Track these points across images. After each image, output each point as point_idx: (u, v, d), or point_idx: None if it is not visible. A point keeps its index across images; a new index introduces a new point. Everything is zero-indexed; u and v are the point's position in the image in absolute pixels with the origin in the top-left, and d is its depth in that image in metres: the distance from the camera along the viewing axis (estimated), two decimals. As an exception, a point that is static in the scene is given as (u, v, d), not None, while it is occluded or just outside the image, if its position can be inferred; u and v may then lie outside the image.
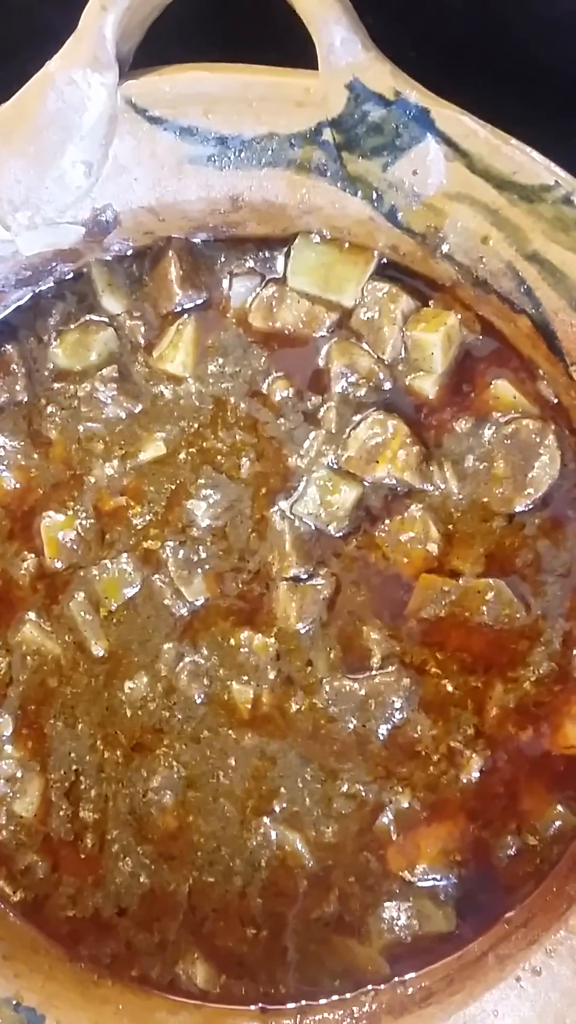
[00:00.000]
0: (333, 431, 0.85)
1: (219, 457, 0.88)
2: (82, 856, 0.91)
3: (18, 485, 0.91)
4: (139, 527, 0.89)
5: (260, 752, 0.88)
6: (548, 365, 0.80)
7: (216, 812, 0.89)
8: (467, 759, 0.86)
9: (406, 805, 0.86)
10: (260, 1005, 0.89)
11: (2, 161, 0.80)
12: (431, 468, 0.84)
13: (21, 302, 0.89)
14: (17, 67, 0.78)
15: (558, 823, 0.85)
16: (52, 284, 0.88)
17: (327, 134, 0.76)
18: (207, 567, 0.88)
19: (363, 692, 0.86)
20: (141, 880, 0.90)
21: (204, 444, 0.88)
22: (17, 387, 0.90)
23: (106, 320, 0.89)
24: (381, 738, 0.87)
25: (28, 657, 0.91)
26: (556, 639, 0.85)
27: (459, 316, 0.82)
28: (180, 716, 0.89)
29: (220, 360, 0.88)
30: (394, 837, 0.87)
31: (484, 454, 0.84)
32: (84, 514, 0.90)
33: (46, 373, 0.90)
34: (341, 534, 0.86)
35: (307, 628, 0.87)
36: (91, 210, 0.82)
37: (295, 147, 0.77)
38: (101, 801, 0.91)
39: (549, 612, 0.85)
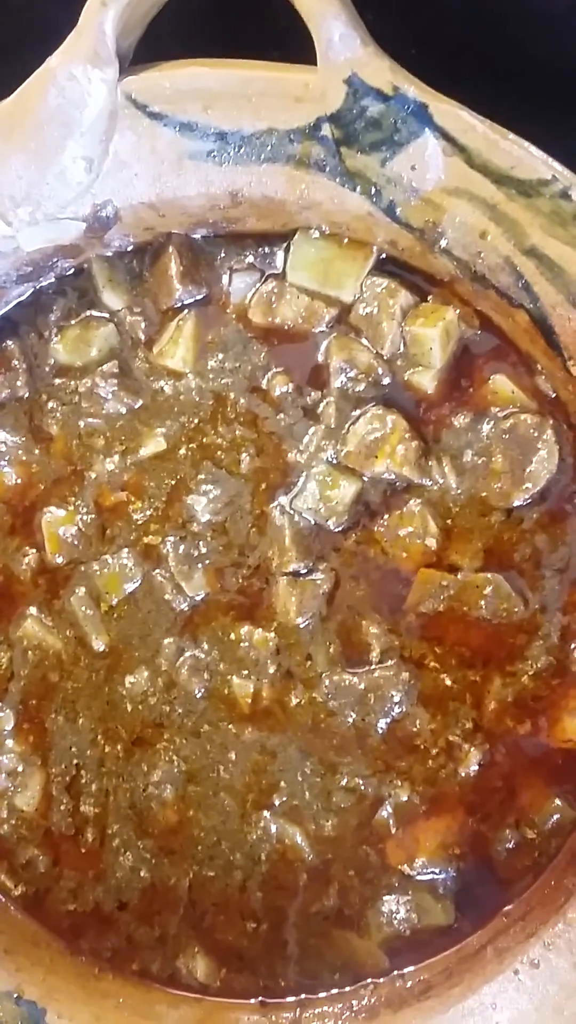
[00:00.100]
0: (332, 426, 0.86)
1: (219, 452, 0.88)
2: (83, 850, 0.91)
3: (19, 480, 0.91)
4: (140, 522, 0.89)
5: (260, 746, 0.89)
6: (546, 360, 0.81)
7: (216, 806, 0.90)
8: (466, 753, 0.86)
9: (405, 799, 0.87)
10: (260, 998, 0.89)
11: (3, 157, 0.80)
12: (430, 463, 0.85)
13: (22, 298, 0.89)
14: (18, 63, 0.78)
15: (556, 817, 0.85)
16: (53, 280, 0.89)
17: (326, 129, 0.76)
18: (207, 562, 0.89)
19: (362, 686, 0.86)
20: (142, 874, 0.91)
21: (204, 439, 0.89)
22: (18, 383, 0.90)
23: (107, 316, 0.89)
24: (380, 732, 0.87)
25: (29, 652, 0.91)
26: (554, 633, 0.85)
27: (457, 311, 0.82)
28: (180, 710, 0.90)
29: (220, 356, 0.88)
30: (393, 831, 0.87)
31: (482, 449, 0.84)
32: (85, 509, 0.90)
33: (47, 369, 0.90)
34: (340, 529, 0.86)
35: (307, 623, 0.87)
36: (92, 206, 0.82)
37: (294, 142, 0.77)
38: (102, 795, 0.91)
39: (547, 606, 0.85)
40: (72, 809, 0.91)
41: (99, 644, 0.90)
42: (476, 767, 0.86)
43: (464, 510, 0.85)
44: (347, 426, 0.85)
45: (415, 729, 0.86)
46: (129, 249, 0.87)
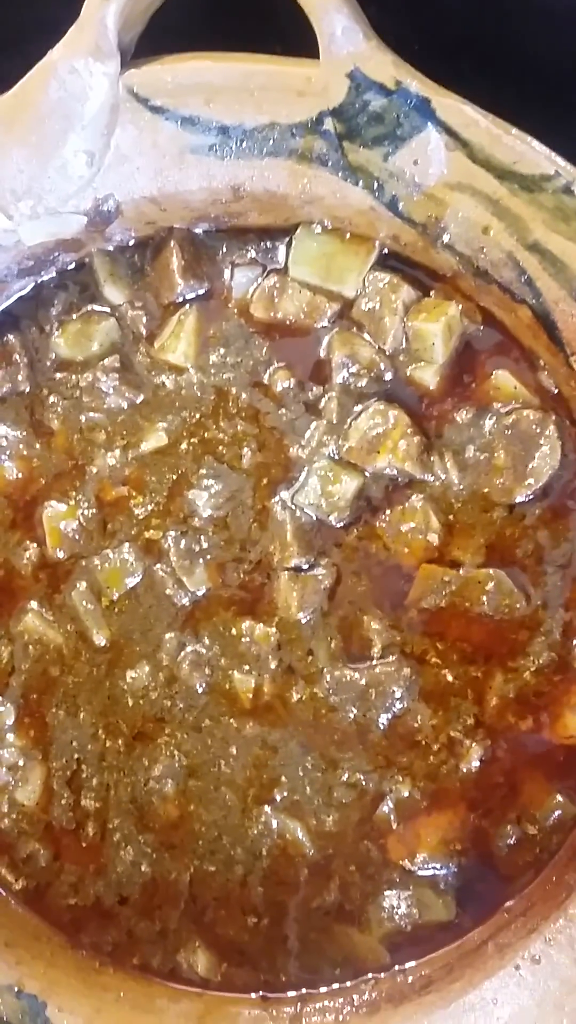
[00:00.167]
0: (334, 421, 0.85)
1: (220, 447, 0.88)
2: (83, 844, 0.91)
3: (20, 475, 0.91)
4: (141, 517, 0.89)
5: (261, 741, 0.89)
6: (549, 355, 0.81)
7: (217, 801, 0.90)
8: (467, 749, 0.86)
9: (406, 794, 0.87)
10: (261, 993, 0.89)
11: (4, 150, 0.80)
12: (432, 458, 0.85)
13: (23, 292, 0.89)
14: (19, 57, 0.78)
15: (558, 813, 0.85)
16: (54, 274, 0.89)
17: (328, 123, 0.76)
18: (208, 557, 0.88)
19: (364, 682, 0.86)
20: (142, 869, 0.90)
21: (206, 434, 0.89)
22: (19, 377, 0.90)
23: (108, 310, 0.89)
24: (381, 727, 0.87)
25: (30, 646, 0.91)
26: (556, 629, 0.85)
27: (460, 306, 0.82)
28: (181, 705, 0.90)
29: (222, 350, 0.88)
30: (394, 826, 0.87)
31: (485, 444, 0.84)
32: (86, 504, 0.90)
33: (48, 363, 0.90)
34: (342, 524, 0.86)
35: (308, 618, 0.87)
36: (93, 200, 0.82)
37: (296, 137, 0.77)
38: (103, 790, 0.91)
39: (549, 602, 0.85)
40: (73, 803, 0.91)
41: (100, 639, 0.90)
42: (477, 763, 0.86)
43: (466, 506, 0.85)
44: (349, 421, 0.85)
45: (416, 725, 0.86)
46: (131, 243, 0.87)
